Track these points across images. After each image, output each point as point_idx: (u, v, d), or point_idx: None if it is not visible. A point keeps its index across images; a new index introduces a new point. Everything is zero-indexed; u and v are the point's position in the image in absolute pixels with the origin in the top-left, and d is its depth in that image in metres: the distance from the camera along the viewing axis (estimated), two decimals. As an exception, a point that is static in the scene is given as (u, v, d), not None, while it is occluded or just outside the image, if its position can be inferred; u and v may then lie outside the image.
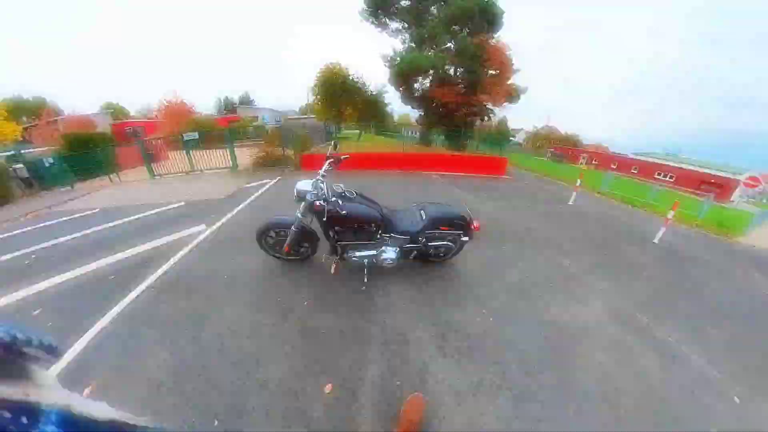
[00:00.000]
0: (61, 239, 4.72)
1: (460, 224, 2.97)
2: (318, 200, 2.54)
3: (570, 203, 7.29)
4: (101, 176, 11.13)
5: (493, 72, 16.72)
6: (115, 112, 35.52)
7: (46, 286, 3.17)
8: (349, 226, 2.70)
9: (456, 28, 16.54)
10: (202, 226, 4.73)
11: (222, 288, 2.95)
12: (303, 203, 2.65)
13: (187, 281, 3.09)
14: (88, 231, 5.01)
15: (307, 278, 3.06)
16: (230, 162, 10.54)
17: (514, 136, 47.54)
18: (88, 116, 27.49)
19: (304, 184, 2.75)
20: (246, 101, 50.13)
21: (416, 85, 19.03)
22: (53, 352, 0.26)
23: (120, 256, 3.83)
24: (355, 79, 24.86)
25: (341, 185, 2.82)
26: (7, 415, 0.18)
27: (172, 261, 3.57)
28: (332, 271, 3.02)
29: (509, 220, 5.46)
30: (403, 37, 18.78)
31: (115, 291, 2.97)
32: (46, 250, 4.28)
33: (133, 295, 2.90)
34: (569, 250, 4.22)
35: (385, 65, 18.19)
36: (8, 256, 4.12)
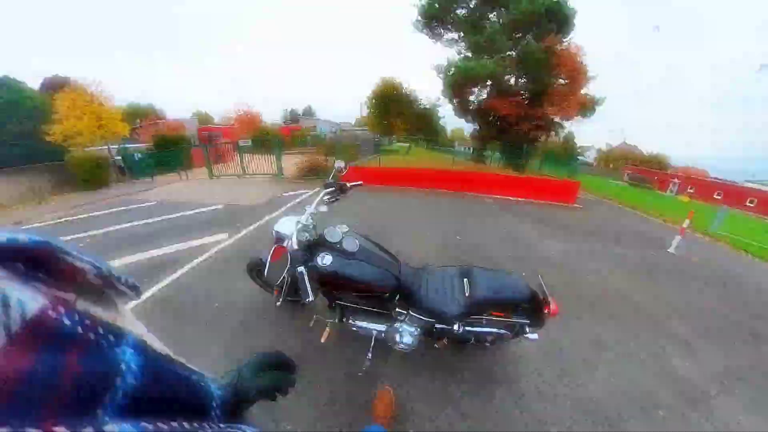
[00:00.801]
0: (110, 228, 5.34)
1: (527, 307, 1.89)
2: (299, 253, 1.69)
3: (671, 250, 5.49)
4: (176, 172, 12.75)
5: (563, 81, 14.75)
6: (202, 118, 40.90)
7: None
8: (348, 291, 1.92)
9: (518, 35, 15.12)
10: (225, 235, 4.70)
11: (204, 320, 2.66)
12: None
13: (178, 302, 2.91)
14: (127, 225, 5.51)
15: (294, 336, 2.40)
16: (278, 169, 10.83)
17: (582, 155, 42.34)
18: (180, 121, 32.04)
19: (286, 225, 2.08)
20: (308, 113, 54.04)
21: (471, 97, 17.90)
22: (136, 291, 0.32)
23: (134, 258, 3.93)
24: (407, 92, 24.77)
25: (345, 226, 1.99)
26: (101, 330, 0.24)
27: (178, 272, 3.48)
28: (322, 338, 2.07)
29: (584, 272, 4.14)
30: (458, 48, 17.88)
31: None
32: (94, 238, 4.82)
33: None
34: (681, 337, 2.85)
35: (438, 76, 17.47)
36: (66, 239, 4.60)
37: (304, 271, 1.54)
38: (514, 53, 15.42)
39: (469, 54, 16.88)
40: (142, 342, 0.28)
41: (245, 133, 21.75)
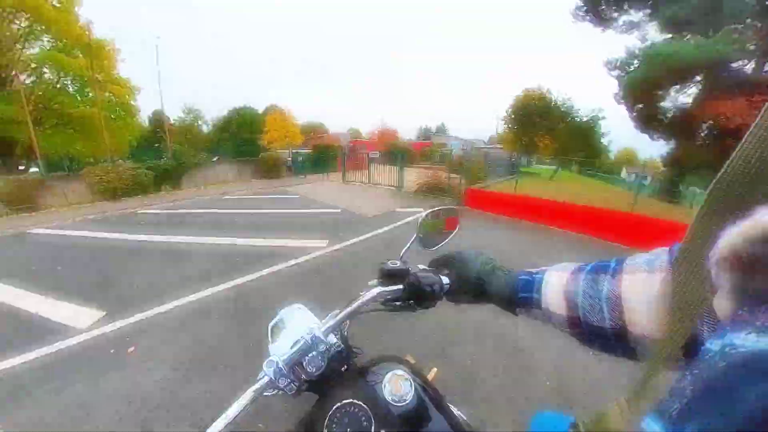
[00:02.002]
0: (261, 210, 6.87)
1: None
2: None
3: None
4: (321, 173, 16.05)
5: None
6: (353, 133, 49.02)
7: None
8: None
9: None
10: (325, 243, 4.85)
11: (242, 351, 2.29)
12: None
13: (237, 307, 2.92)
14: (267, 211, 6.88)
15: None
16: (399, 182, 11.04)
17: None
18: (337, 135, 39.39)
19: (281, 349, 0.53)
20: (441, 130, 55.43)
21: (663, 102, 12.80)
22: None
23: (245, 241, 4.62)
24: (558, 103, 20.61)
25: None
26: None
27: (264, 271, 3.67)
28: None
29: None
30: (641, 32, 13.16)
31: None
32: (230, 216, 6.32)
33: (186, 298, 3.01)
34: None
35: (610, 74, 13.55)
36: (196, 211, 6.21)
37: None
38: (758, 23, 9.92)
39: (664, 36, 12.16)
40: None
41: (382, 147, 24.16)
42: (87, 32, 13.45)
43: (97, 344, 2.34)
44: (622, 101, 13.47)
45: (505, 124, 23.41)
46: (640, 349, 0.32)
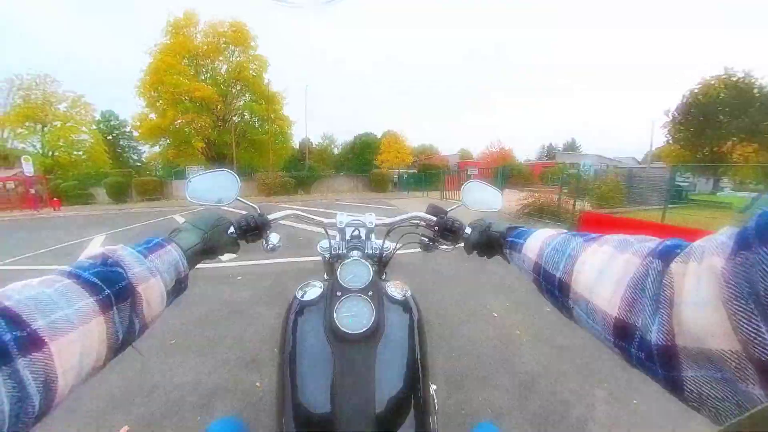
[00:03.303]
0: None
1: None
2: None
3: None
4: (423, 191, 17.22)
5: None
6: (464, 154, 48.58)
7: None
8: None
9: None
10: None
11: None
12: None
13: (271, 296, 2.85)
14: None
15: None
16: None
17: None
18: (446, 156, 40.04)
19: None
20: (570, 147, 47.53)
21: None
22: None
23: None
24: None
25: None
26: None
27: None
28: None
29: None
30: None
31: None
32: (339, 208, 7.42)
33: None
34: None
35: None
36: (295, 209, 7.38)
37: None
38: None
39: None
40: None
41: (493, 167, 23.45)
42: (268, 88, 20.67)
43: (227, 272, 3.44)
44: None
45: (668, 133, 16.66)
46: (576, 310, 0.32)
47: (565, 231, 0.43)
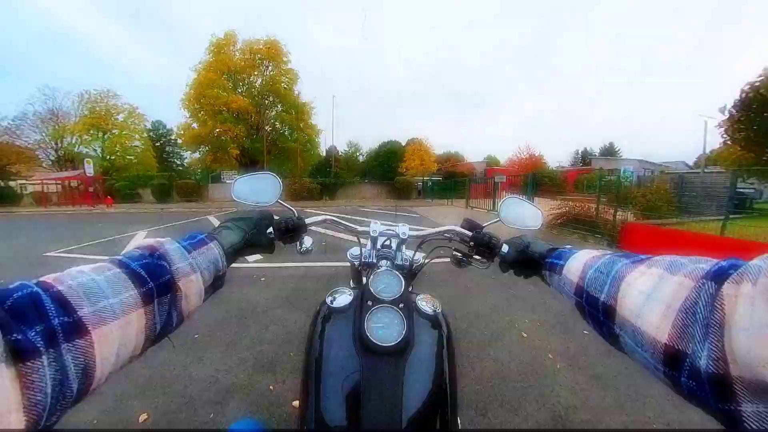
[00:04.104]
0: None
1: None
2: None
3: None
4: (448, 199, 16.87)
5: None
6: (491, 161, 47.27)
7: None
8: None
9: None
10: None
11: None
12: None
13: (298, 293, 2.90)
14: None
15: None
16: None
17: None
18: (472, 163, 39.20)
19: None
20: (608, 152, 44.34)
21: None
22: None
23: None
24: None
25: None
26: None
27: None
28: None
29: None
30: None
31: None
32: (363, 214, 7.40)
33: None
34: None
35: None
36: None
37: None
38: None
39: None
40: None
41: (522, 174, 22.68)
42: (297, 99, 21.83)
43: (251, 273, 3.54)
44: None
45: (724, 133, 14.66)
46: (623, 336, 0.29)
47: (609, 252, 0.40)
